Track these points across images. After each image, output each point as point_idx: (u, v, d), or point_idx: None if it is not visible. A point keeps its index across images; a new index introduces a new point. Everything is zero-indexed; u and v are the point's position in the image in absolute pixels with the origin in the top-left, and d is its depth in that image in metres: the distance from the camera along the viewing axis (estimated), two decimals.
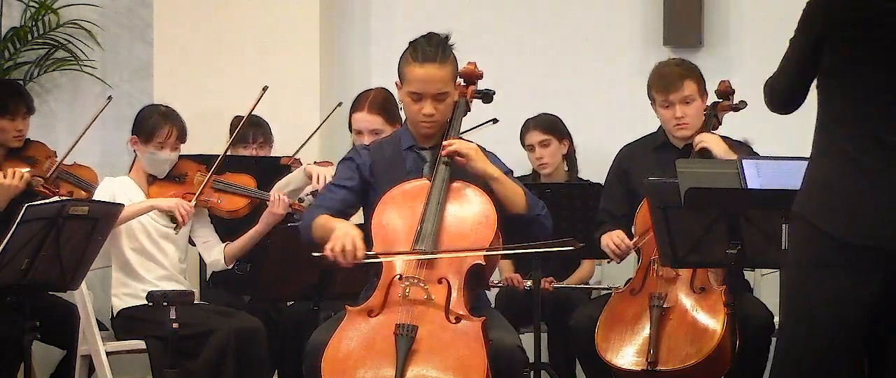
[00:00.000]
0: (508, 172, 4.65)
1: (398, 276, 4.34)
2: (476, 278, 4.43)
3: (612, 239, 5.48)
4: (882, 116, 3.56)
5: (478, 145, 4.58)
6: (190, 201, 5.64)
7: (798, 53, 3.70)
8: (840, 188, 3.56)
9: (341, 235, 4.34)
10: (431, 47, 4.54)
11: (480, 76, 4.77)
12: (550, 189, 5.76)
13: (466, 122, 4.77)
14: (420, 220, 4.40)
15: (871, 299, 3.55)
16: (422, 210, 4.42)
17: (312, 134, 6.39)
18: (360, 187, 4.64)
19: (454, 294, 4.29)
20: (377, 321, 4.28)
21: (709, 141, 5.43)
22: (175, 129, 5.69)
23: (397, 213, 4.47)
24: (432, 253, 4.35)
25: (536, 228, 4.59)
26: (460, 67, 4.70)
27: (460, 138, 4.60)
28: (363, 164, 4.65)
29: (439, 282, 4.31)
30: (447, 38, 4.59)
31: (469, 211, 4.46)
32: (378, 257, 4.36)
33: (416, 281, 4.30)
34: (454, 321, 4.25)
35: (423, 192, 4.47)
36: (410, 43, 4.61)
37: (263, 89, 5.93)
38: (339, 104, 6.26)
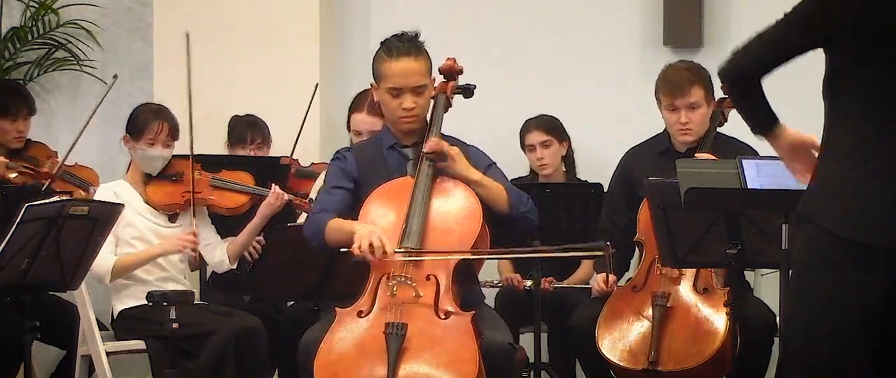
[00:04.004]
0: (491, 165, 4.69)
1: (386, 276, 4.35)
2: (465, 273, 4.45)
3: (599, 282, 5.55)
4: (886, 115, 3.55)
5: (459, 144, 4.62)
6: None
7: (792, 28, 3.64)
8: (844, 187, 3.55)
9: (367, 233, 4.33)
10: (403, 43, 4.61)
11: (460, 71, 4.78)
12: (550, 189, 5.76)
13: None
14: (405, 218, 4.42)
15: (877, 301, 3.54)
16: (407, 207, 4.44)
17: (300, 130, 6.40)
18: (353, 188, 4.67)
19: (443, 290, 4.31)
20: (367, 321, 4.30)
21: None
22: (166, 125, 5.69)
23: (382, 211, 4.50)
24: (446, 252, 4.37)
25: (522, 224, 4.64)
26: (440, 63, 4.73)
27: (442, 138, 4.61)
28: (349, 167, 4.68)
29: (427, 279, 4.34)
30: (417, 35, 4.64)
31: (453, 206, 4.49)
32: (409, 254, 4.36)
33: (403, 279, 4.32)
34: (443, 317, 4.27)
35: (408, 189, 4.49)
36: (382, 43, 4.67)
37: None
38: (317, 84, 6.26)
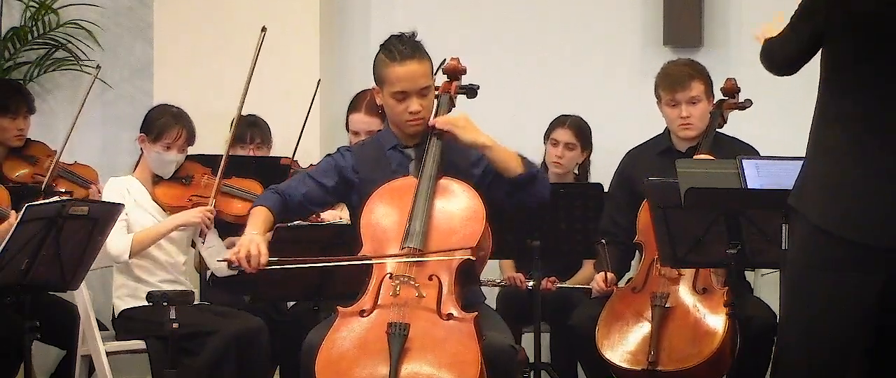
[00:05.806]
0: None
1: (389, 276, 4.34)
2: (466, 274, 4.44)
3: (599, 282, 5.54)
4: (886, 115, 3.55)
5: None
6: (205, 204, 5.63)
7: (798, 36, 3.69)
8: (843, 188, 3.55)
9: (246, 242, 4.39)
10: (406, 46, 4.57)
11: (464, 71, 4.77)
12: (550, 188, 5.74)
13: None
14: (408, 218, 4.42)
15: (874, 300, 3.54)
16: (410, 208, 4.43)
17: (302, 129, 6.39)
18: (337, 188, 4.66)
19: (445, 291, 4.30)
20: (369, 321, 4.28)
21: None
22: (185, 132, 5.67)
23: (385, 211, 4.48)
24: (342, 259, 4.42)
25: (538, 184, 4.61)
26: (446, 64, 4.72)
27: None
28: (345, 166, 4.66)
29: (429, 279, 4.32)
30: (414, 34, 4.61)
31: (456, 206, 4.47)
32: (282, 263, 4.40)
33: (406, 279, 4.31)
34: (446, 318, 4.26)
35: (411, 189, 4.48)
36: (382, 46, 4.63)
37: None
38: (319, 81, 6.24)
